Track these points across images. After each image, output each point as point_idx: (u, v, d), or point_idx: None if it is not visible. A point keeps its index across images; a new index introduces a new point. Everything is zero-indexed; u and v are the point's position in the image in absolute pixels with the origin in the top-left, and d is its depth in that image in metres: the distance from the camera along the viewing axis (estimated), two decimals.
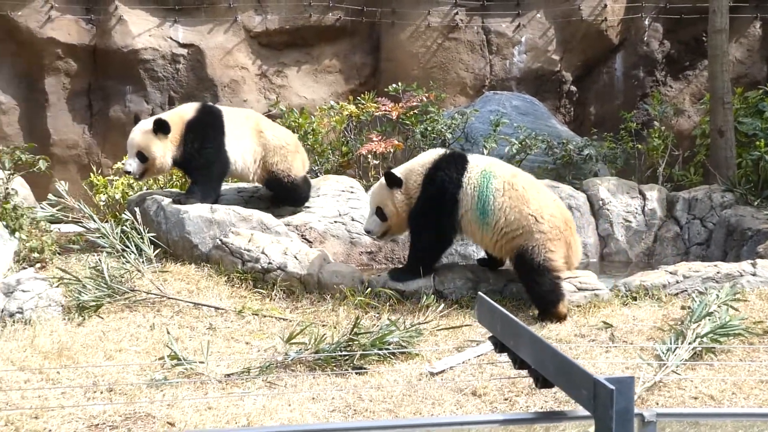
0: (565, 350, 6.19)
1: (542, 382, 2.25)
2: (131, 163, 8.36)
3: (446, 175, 7.18)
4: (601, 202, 9.31)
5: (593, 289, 7.32)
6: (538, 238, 6.96)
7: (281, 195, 8.87)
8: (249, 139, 8.62)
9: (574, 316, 7.02)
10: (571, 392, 2.11)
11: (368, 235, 7.73)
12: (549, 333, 6.60)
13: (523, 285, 7.20)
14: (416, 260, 7.44)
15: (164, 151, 8.34)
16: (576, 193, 9.33)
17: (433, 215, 7.23)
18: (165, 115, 8.59)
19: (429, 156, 7.45)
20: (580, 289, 7.31)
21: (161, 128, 8.32)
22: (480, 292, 2.60)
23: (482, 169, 7.17)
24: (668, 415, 2.25)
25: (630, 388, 1.95)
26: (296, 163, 8.76)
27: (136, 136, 8.39)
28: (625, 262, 9.14)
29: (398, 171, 7.42)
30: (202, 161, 8.39)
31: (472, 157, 7.43)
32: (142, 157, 8.34)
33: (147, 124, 8.43)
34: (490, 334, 2.51)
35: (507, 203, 7.02)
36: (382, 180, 7.40)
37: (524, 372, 2.36)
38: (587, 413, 2.06)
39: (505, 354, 2.46)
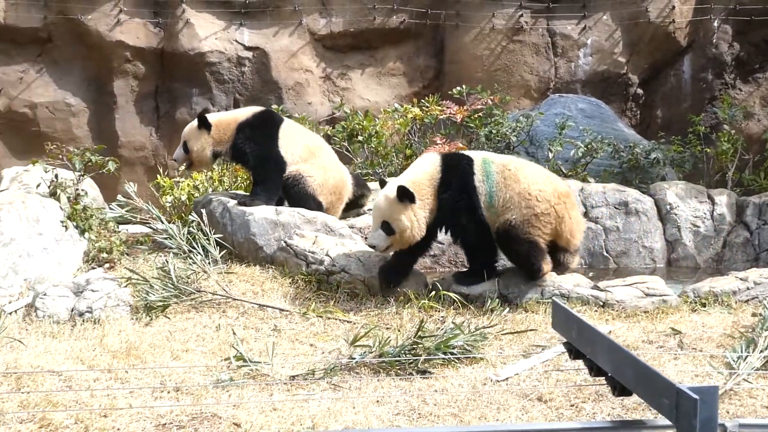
0: None
1: (620, 390, 2.20)
2: (177, 151, 8.92)
3: (463, 176, 7.31)
4: (668, 207, 9.16)
5: (661, 295, 7.21)
6: (525, 213, 7.14)
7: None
8: (299, 153, 8.67)
9: (642, 321, 6.91)
10: (651, 401, 2.06)
11: (373, 250, 7.48)
12: (616, 339, 6.50)
13: (506, 255, 7.44)
14: (480, 264, 7.43)
15: (203, 145, 8.66)
16: (643, 197, 9.20)
17: (471, 216, 7.28)
18: (219, 114, 9.05)
19: (431, 165, 7.44)
20: (647, 295, 7.20)
21: (203, 124, 8.64)
22: (554, 299, 2.56)
23: (482, 158, 7.38)
24: (751, 425, 2.18)
25: (714, 398, 1.90)
26: (324, 195, 8.77)
27: (185, 128, 8.92)
28: (693, 267, 8.99)
29: (405, 184, 7.28)
30: (254, 162, 8.54)
31: (469, 153, 7.64)
32: (185, 147, 8.76)
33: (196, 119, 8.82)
34: (564, 341, 2.47)
35: (502, 182, 7.21)
36: (389, 194, 7.25)
37: (592, 379, 2.32)
38: (668, 423, 2.01)
39: (580, 361, 2.42)
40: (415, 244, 7.38)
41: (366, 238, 8.43)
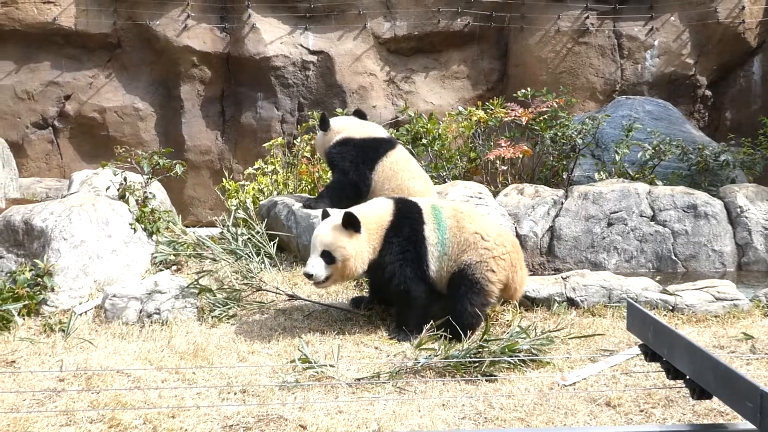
0: None
1: (699, 393, 2.15)
2: None
3: (413, 225, 6.80)
4: (738, 210, 8.98)
5: (732, 299, 7.07)
6: (482, 253, 6.72)
7: None
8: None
9: (712, 326, 6.79)
10: (733, 404, 2.01)
11: (308, 280, 6.75)
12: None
13: (450, 300, 6.75)
14: (409, 321, 6.77)
15: (321, 142, 8.56)
16: (712, 200, 9.03)
17: (415, 268, 6.78)
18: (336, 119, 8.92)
19: (382, 206, 6.93)
20: (717, 299, 7.07)
21: (322, 125, 8.50)
22: (630, 299, 2.51)
23: (430, 205, 6.92)
24: None
25: None
26: None
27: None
28: (765, 272, 8.79)
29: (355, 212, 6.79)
30: (338, 167, 8.45)
31: (417, 200, 7.05)
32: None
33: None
34: (640, 342, 2.42)
35: (455, 226, 6.78)
36: (333, 221, 6.73)
37: (664, 382, 2.27)
38: (750, 426, 1.96)
39: (649, 365, 2.37)
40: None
41: None
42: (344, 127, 8.48)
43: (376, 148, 8.31)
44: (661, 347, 2.26)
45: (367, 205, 7.05)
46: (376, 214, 6.83)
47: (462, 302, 6.65)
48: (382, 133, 8.61)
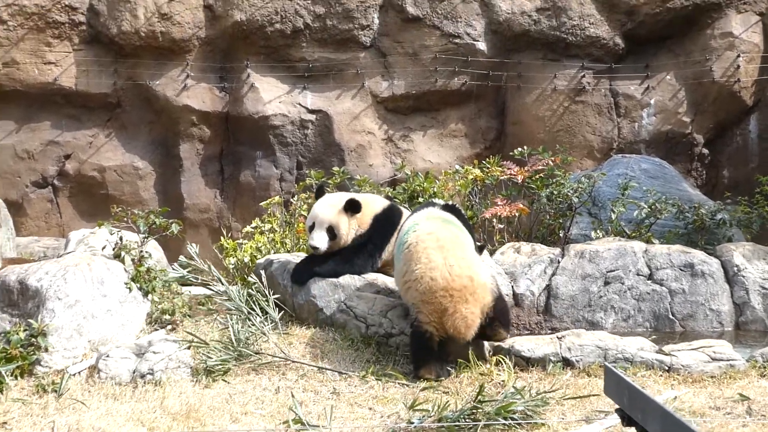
0: (699, 423, 5.95)
1: None
2: None
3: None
4: (735, 269, 8.96)
5: (728, 360, 7.04)
6: (414, 296, 7.14)
7: None
8: None
9: (708, 387, 6.74)
10: None
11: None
12: (681, 405, 6.35)
13: None
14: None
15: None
16: (709, 259, 9.02)
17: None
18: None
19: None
20: (714, 359, 7.04)
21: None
22: (606, 363, 2.51)
23: (413, 221, 7.57)
24: None
25: None
26: None
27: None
28: (762, 331, 8.74)
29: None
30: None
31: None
32: None
33: None
34: (617, 407, 2.41)
35: (405, 256, 7.32)
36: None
37: None
38: None
39: (633, 428, 2.36)
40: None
41: None
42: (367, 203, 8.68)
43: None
44: (636, 412, 2.25)
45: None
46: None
47: (410, 344, 7.34)
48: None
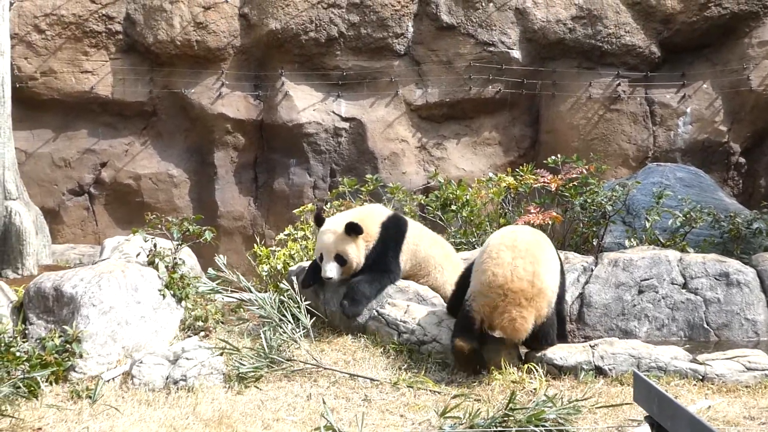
0: None
1: None
2: None
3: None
4: None
5: (763, 369, 6.95)
6: (475, 285, 7.30)
7: None
8: None
9: (743, 396, 6.67)
10: None
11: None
12: (715, 414, 6.28)
13: None
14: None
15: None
16: (745, 268, 8.92)
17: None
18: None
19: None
20: (748, 369, 6.96)
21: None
22: (635, 370, 2.49)
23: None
24: None
25: None
26: None
27: None
28: None
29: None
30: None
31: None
32: None
33: None
34: (646, 414, 2.40)
35: (483, 249, 7.51)
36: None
37: None
38: None
39: None
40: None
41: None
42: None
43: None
44: (665, 419, 2.23)
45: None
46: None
47: None
48: None
